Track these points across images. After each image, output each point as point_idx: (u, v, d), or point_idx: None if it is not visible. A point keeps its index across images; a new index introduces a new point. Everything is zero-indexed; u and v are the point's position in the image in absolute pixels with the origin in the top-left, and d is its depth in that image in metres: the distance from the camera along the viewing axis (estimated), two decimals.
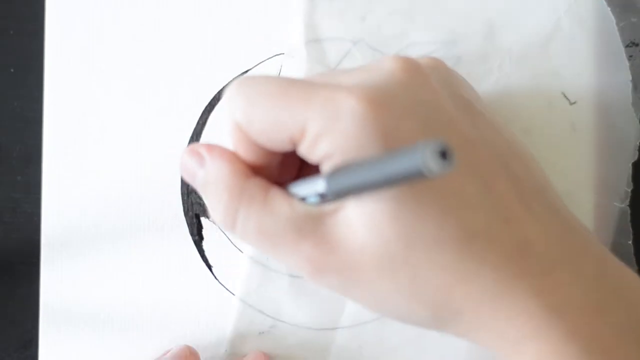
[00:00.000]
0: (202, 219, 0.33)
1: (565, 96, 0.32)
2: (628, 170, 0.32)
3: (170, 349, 0.32)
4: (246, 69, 0.33)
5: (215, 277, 0.33)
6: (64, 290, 0.33)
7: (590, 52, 0.32)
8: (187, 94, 0.33)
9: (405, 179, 0.20)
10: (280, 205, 0.25)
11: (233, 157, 0.26)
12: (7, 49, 0.34)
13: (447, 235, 0.23)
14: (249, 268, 0.33)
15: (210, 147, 0.26)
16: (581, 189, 0.32)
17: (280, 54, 0.33)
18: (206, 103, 0.33)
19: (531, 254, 0.24)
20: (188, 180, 0.27)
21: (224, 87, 0.33)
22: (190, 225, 0.33)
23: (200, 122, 0.33)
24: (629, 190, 0.31)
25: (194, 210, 0.33)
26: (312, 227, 0.24)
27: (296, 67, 0.32)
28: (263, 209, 0.25)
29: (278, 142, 0.24)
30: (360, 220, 0.23)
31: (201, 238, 0.33)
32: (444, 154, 0.18)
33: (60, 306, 0.33)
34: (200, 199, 0.33)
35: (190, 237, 0.33)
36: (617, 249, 0.31)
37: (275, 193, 0.25)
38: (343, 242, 0.24)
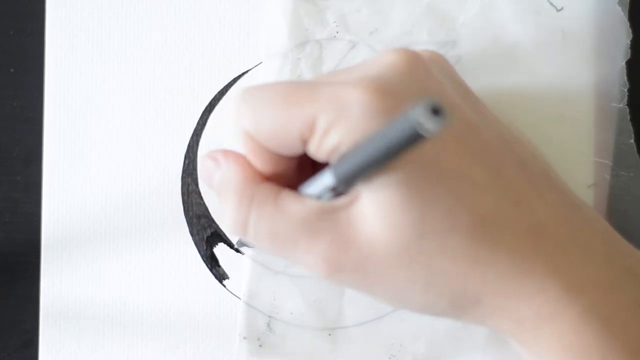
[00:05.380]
0: (203, 220, 0.33)
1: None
2: (623, 70, 0.32)
3: None
4: (246, 69, 0.33)
5: (216, 277, 0.33)
6: (64, 290, 0.33)
7: None
8: (187, 95, 0.33)
9: (405, 144, 0.20)
10: (291, 205, 0.25)
11: (245, 162, 0.26)
12: (7, 49, 0.34)
13: (458, 221, 0.24)
14: (249, 268, 0.33)
15: (227, 152, 0.27)
16: (581, 93, 0.32)
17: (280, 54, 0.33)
18: (206, 103, 0.33)
19: (543, 234, 0.25)
20: (207, 184, 0.27)
21: (224, 88, 0.33)
22: (190, 225, 0.33)
23: (200, 122, 0.33)
24: (625, 89, 0.32)
25: (194, 211, 0.33)
26: (326, 224, 0.24)
27: (289, 69, 0.32)
28: (275, 212, 0.25)
29: (288, 143, 0.24)
30: (373, 210, 0.24)
31: (201, 238, 0.33)
32: (435, 111, 0.18)
33: (60, 306, 0.33)
34: (201, 199, 0.33)
35: (190, 238, 0.33)
36: (619, 147, 0.32)
37: (287, 194, 0.25)
38: (358, 235, 0.24)
